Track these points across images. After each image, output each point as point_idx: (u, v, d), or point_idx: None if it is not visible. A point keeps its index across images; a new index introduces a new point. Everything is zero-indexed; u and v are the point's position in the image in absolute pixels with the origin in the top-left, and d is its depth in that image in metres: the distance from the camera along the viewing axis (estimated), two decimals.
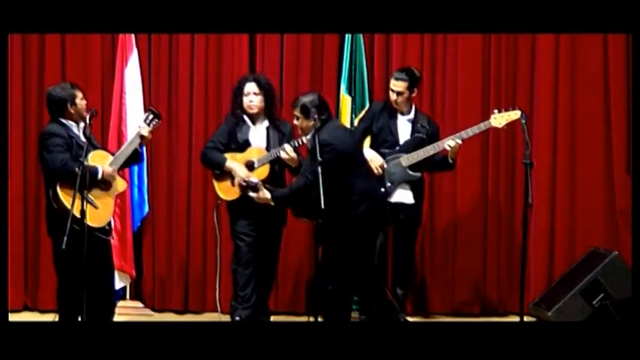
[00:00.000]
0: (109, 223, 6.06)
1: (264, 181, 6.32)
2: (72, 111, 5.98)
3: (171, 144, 7.37)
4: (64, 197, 5.78)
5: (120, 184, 6.05)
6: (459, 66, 7.49)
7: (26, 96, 7.28)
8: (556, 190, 7.47)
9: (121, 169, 6.16)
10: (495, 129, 6.70)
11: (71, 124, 5.98)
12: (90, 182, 5.76)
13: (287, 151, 6.31)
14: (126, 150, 6.07)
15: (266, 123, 6.53)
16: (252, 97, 6.47)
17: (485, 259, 7.44)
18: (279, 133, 6.49)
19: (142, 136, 6.08)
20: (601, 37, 7.45)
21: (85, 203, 5.62)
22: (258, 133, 6.51)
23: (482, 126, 6.64)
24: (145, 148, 7.12)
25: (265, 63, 7.44)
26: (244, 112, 6.50)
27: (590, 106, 7.49)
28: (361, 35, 7.34)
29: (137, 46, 7.24)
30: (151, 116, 6.16)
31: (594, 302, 6.79)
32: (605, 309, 6.61)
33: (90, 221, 5.74)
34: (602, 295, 6.79)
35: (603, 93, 7.51)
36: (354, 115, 7.31)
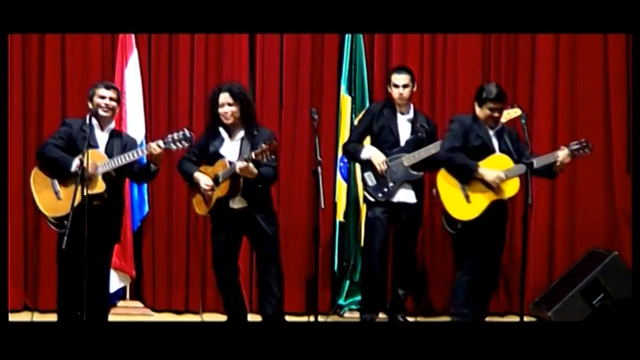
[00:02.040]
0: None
1: (227, 195, 6.14)
2: (90, 107, 6.04)
3: None
4: (33, 183, 5.92)
5: (97, 186, 5.87)
6: (458, 66, 7.49)
7: (26, 96, 7.27)
8: (556, 190, 7.47)
9: (123, 177, 6.13)
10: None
11: (94, 121, 6.00)
12: (62, 173, 5.84)
13: (239, 166, 6.01)
14: (124, 157, 5.95)
15: (242, 134, 6.25)
16: (227, 108, 6.20)
17: None
18: (254, 144, 6.15)
19: (150, 152, 5.98)
20: (601, 37, 7.46)
21: (86, 203, 5.62)
22: (231, 146, 6.26)
23: None
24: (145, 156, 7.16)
25: (265, 63, 7.45)
26: (220, 123, 6.27)
27: (590, 106, 7.49)
28: (361, 35, 7.36)
29: (137, 46, 7.25)
30: (181, 135, 6.00)
31: (594, 302, 6.79)
32: (605, 309, 6.62)
33: (45, 208, 5.86)
34: (602, 295, 6.80)
35: (603, 93, 7.52)
36: (354, 115, 7.32)
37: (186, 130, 6.08)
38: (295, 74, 7.44)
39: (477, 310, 6.31)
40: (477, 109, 6.27)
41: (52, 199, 5.88)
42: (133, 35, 7.21)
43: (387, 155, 6.71)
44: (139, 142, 7.02)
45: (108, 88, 6.10)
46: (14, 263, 7.05)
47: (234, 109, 6.21)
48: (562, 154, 6.22)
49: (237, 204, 6.20)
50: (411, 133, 6.77)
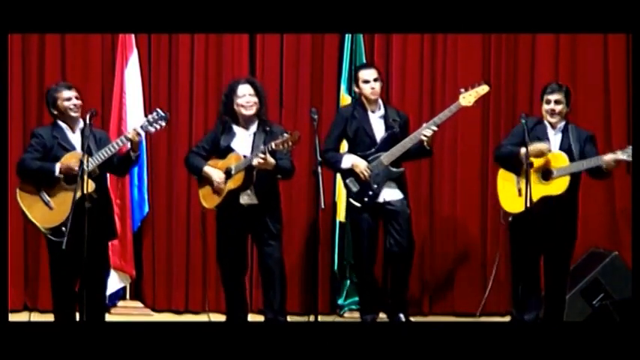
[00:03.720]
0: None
1: (240, 188, 6.17)
2: (55, 112, 5.97)
3: (171, 144, 7.37)
4: (20, 197, 5.92)
5: (87, 186, 5.77)
6: (458, 66, 7.49)
7: (26, 96, 7.28)
8: None
9: (105, 173, 6.04)
10: (467, 108, 6.61)
11: (62, 125, 5.95)
12: (47, 180, 5.81)
13: (259, 158, 6.07)
14: (106, 150, 5.85)
15: (254, 128, 6.32)
16: (249, 98, 6.27)
17: (485, 259, 7.44)
18: (266, 138, 6.23)
19: (128, 139, 5.89)
20: (601, 37, 7.46)
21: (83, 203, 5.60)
22: (243, 140, 6.29)
23: (453, 108, 6.52)
24: (145, 148, 7.15)
25: (265, 63, 7.44)
26: (233, 116, 6.30)
27: (590, 106, 7.49)
28: (361, 35, 7.35)
29: (137, 46, 7.24)
30: (156, 116, 5.94)
31: (594, 302, 6.78)
32: (605, 309, 6.61)
33: (38, 221, 5.84)
34: (602, 295, 6.79)
35: (603, 93, 7.51)
36: None
37: (159, 109, 6.01)
38: (295, 74, 7.44)
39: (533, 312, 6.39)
40: (542, 110, 6.37)
41: (44, 211, 5.84)
42: (133, 35, 7.21)
43: (365, 157, 6.62)
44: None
45: (69, 88, 6.00)
46: (14, 263, 7.05)
47: (255, 99, 6.27)
48: (607, 158, 6.25)
49: (245, 200, 6.21)
50: (385, 130, 6.72)
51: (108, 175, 6.24)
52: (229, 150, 6.27)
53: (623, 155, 6.19)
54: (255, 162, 6.09)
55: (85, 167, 5.63)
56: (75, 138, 5.95)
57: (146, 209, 7.29)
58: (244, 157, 6.18)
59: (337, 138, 6.79)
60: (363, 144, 6.67)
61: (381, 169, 6.62)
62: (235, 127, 6.32)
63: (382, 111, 6.75)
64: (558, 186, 6.21)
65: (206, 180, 6.29)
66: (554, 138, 6.30)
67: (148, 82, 7.36)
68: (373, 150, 6.65)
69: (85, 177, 5.67)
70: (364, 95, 6.72)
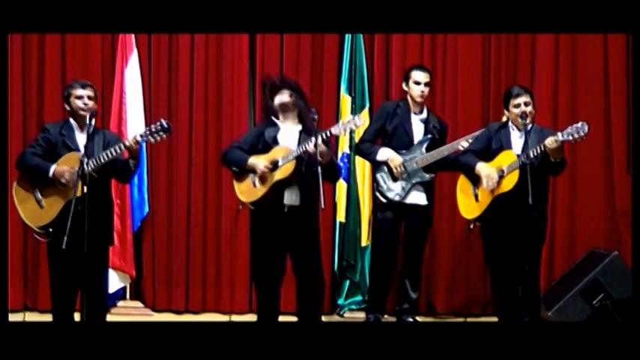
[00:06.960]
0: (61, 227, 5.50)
1: (289, 179, 5.86)
2: (68, 109, 5.89)
3: (171, 144, 7.36)
4: (15, 191, 5.82)
5: (78, 190, 5.61)
6: (458, 66, 7.50)
7: (26, 96, 7.28)
8: (556, 190, 7.47)
9: (107, 176, 5.88)
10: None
11: (72, 123, 5.85)
12: (42, 179, 5.71)
13: (314, 144, 5.71)
14: (102, 156, 5.66)
15: (299, 127, 6.04)
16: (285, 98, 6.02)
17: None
18: (312, 134, 5.87)
19: (127, 147, 5.68)
20: (601, 37, 7.46)
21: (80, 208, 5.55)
22: (289, 134, 6.02)
23: None
24: (145, 148, 7.14)
25: (265, 63, 7.45)
26: (276, 115, 6.05)
27: (590, 106, 7.50)
28: (361, 35, 7.36)
29: (137, 46, 7.25)
30: (159, 127, 5.68)
31: (594, 302, 6.79)
32: (605, 309, 6.62)
33: (27, 218, 5.77)
34: (602, 295, 6.80)
35: (603, 93, 7.52)
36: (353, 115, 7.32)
37: (163, 120, 5.74)
38: (295, 74, 7.44)
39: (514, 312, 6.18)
40: (507, 114, 6.17)
41: (34, 209, 5.76)
42: (133, 35, 7.22)
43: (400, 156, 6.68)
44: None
45: (84, 87, 5.86)
46: (14, 263, 7.05)
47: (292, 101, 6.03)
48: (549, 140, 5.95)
49: (288, 200, 5.93)
50: (424, 134, 6.74)
51: (110, 180, 6.10)
52: (275, 142, 5.99)
53: (562, 136, 5.83)
54: (310, 148, 5.76)
55: (85, 168, 5.55)
56: (82, 138, 5.80)
57: (146, 209, 7.29)
58: (303, 145, 5.86)
59: (376, 131, 6.80)
60: (400, 142, 6.70)
61: (413, 170, 6.63)
62: (279, 122, 6.07)
63: (424, 115, 6.77)
64: (508, 182, 6.02)
65: (248, 173, 5.99)
66: (519, 141, 6.08)
67: (148, 82, 7.36)
68: (408, 151, 6.67)
69: (83, 179, 5.57)
70: (411, 95, 6.74)
